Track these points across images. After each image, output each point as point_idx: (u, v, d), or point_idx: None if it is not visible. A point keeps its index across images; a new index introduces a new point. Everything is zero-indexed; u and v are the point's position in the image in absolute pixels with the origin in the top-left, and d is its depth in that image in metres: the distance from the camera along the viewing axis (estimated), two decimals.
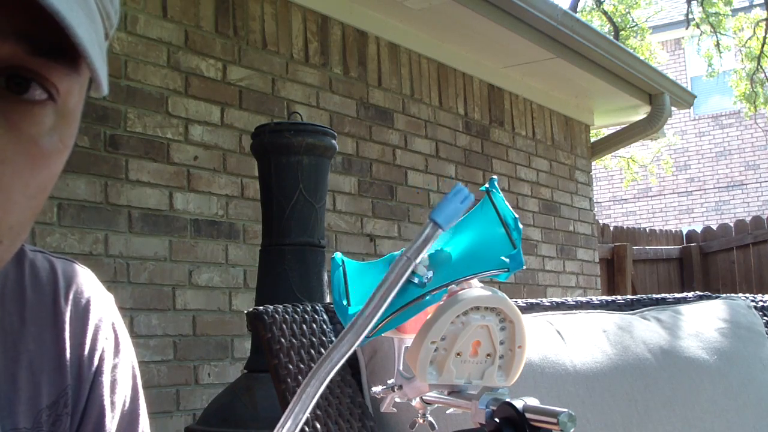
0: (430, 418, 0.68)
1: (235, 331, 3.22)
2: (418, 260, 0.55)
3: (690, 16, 11.86)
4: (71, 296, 0.72)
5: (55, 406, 0.67)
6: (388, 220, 4.04)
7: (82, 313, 0.72)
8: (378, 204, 3.99)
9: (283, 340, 1.12)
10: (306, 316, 1.17)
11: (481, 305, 0.61)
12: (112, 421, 0.71)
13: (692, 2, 11.65)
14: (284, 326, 1.14)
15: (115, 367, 0.73)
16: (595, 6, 12.68)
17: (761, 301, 1.61)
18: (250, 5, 3.43)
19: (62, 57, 0.50)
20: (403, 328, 0.66)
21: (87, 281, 0.74)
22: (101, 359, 0.72)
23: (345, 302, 0.65)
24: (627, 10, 12.68)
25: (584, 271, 5.71)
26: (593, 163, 6.19)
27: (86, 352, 0.71)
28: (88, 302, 0.73)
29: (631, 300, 1.54)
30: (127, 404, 0.74)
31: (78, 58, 0.51)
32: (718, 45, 11.55)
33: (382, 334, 0.65)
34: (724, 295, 1.60)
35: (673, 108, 5.96)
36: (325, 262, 2.43)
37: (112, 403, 0.71)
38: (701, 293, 1.62)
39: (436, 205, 0.54)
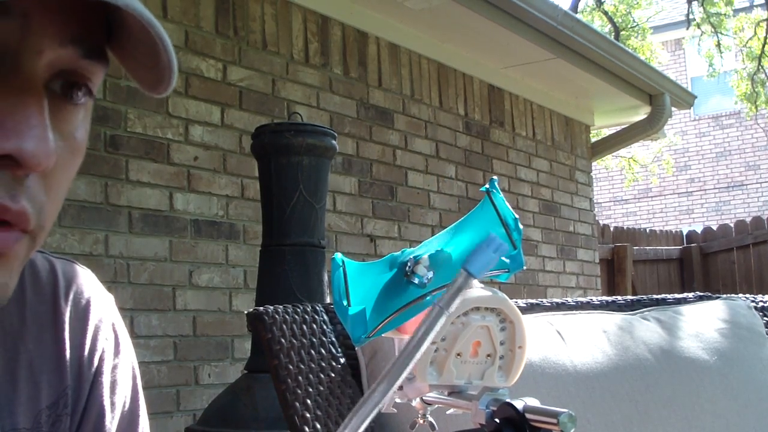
0: (431, 419, 0.68)
1: (235, 331, 3.22)
2: (451, 309, 0.55)
3: (691, 17, 11.86)
4: (71, 296, 0.72)
5: (55, 407, 0.67)
6: (388, 221, 4.04)
7: (82, 313, 0.72)
8: (378, 204, 3.99)
9: (283, 340, 1.12)
10: (306, 317, 1.17)
11: (481, 306, 0.61)
12: (111, 422, 0.71)
13: (693, 2, 11.65)
14: (284, 326, 1.14)
15: (115, 367, 0.73)
16: (595, 6, 12.68)
17: (761, 301, 1.61)
18: (250, 5, 3.43)
19: (104, 58, 0.55)
20: (403, 328, 0.66)
21: (87, 281, 0.74)
22: (101, 360, 0.72)
23: (345, 302, 0.65)
24: (627, 11, 12.68)
25: (584, 272, 5.71)
26: (593, 164, 6.19)
27: (86, 352, 0.71)
28: (88, 302, 0.73)
29: (632, 300, 1.54)
30: (127, 405, 0.74)
31: (107, 57, 0.56)
32: (719, 45, 11.55)
33: (382, 335, 0.65)
34: (725, 295, 1.60)
35: (673, 108, 5.95)
36: (325, 263, 2.42)
37: (112, 403, 0.71)
38: (701, 294, 1.62)
39: (471, 253, 0.54)
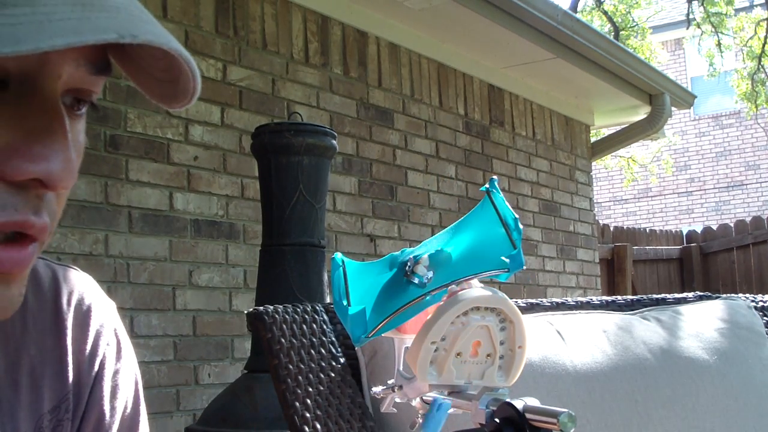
0: None
1: (235, 331, 3.22)
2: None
3: (691, 16, 11.86)
4: (73, 303, 0.72)
5: (56, 411, 0.68)
6: (388, 221, 4.04)
7: (83, 318, 0.72)
8: (378, 204, 3.99)
9: (283, 340, 1.12)
10: (306, 316, 1.17)
11: (481, 305, 0.61)
12: (111, 427, 0.71)
13: (693, 2, 11.65)
14: (284, 326, 1.14)
15: (116, 372, 0.73)
16: (595, 6, 12.68)
17: (761, 301, 1.61)
18: (250, 5, 3.43)
19: (109, 70, 0.57)
20: (403, 328, 0.66)
21: (89, 288, 0.74)
22: (102, 365, 0.72)
23: (345, 302, 0.65)
24: (627, 10, 12.68)
25: (584, 272, 5.71)
26: (593, 164, 6.19)
27: (86, 357, 0.71)
28: (89, 308, 0.73)
29: (631, 300, 1.54)
30: (128, 410, 0.74)
31: (111, 68, 0.58)
32: (719, 45, 11.55)
33: (382, 334, 0.65)
34: (724, 295, 1.60)
35: (673, 108, 5.96)
36: (325, 262, 2.42)
37: (113, 408, 0.72)
38: (701, 293, 1.62)
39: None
